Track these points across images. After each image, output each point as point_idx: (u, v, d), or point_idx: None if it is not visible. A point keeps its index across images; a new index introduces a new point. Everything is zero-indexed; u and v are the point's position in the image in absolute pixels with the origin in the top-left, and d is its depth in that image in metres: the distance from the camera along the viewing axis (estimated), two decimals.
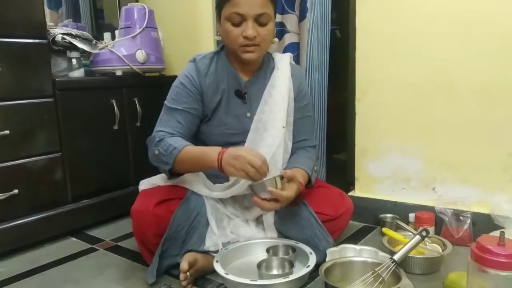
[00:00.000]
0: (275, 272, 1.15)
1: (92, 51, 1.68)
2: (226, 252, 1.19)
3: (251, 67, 1.30)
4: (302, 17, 1.54)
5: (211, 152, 1.13)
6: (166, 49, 1.95)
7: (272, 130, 1.26)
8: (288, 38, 1.60)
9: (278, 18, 1.59)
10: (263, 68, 1.33)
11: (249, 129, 1.27)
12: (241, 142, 1.28)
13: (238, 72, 1.29)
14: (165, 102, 1.28)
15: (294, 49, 1.60)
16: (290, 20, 1.59)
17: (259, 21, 1.18)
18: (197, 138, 1.32)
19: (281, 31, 1.61)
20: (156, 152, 1.19)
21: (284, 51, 1.56)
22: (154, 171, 1.36)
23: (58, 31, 1.58)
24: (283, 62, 1.33)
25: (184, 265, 1.10)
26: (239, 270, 1.15)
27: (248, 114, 1.29)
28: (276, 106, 1.27)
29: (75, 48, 1.62)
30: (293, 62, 1.43)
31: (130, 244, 1.46)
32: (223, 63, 1.29)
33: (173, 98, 1.26)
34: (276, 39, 1.33)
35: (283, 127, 1.26)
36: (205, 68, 1.27)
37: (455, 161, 1.40)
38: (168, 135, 1.21)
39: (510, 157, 1.31)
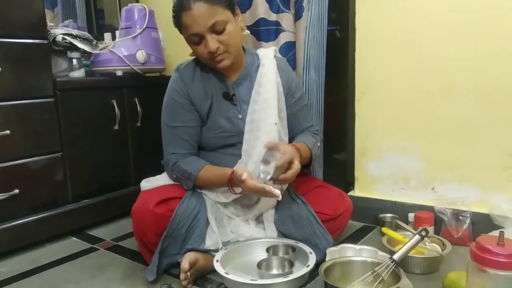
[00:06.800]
0: (275, 271, 1.15)
1: (93, 51, 1.68)
2: (226, 251, 1.19)
3: (234, 68, 1.29)
4: (298, 16, 1.54)
5: (225, 174, 1.19)
6: (166, 49, 1.95)
7: (265, 128, 1.26)
8: (284, 37, 1.60)
9: (273, 17, 1.59)
10: (248, 67, 1.32)
11: (243, 130, 1.28)
12: (237, 144, 1.29)
13: (224, 75, 1.29)
14: (163, 119, 1.31)
15: (289, 48, 1.60)
16: (286, 19, 1.58)
17: (215, 30, 1.16)
18: None
19: (276, 30, 1.60)
20: (174, 176, 1.29)
21: (280, 50, 1.56)
22: (155, 171, 1.37)
23: (59, 32, 1.58)
24: (267, 57, 1.32)
25: (185, 264, 1.10)
26: (239, 270, 1.16)
27: (240, 116, 1.29)
28: (266, 103, 1.27)
29: (76, 49, 1.62)
30: (279, 55, 1.42)
31: (131, 243, 1.46)
32: (208, 68, 1.29)
33: (169, 115, 1.29)
34: (247, 31, 1.31)
35: (276, 124, 1.26)
36: (189, 76, 1.28)
37: (454, 161, 1.40)
38: (181, 157, 1.27)
39: (510, 157, 1.32)
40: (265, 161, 1.14)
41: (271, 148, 1.14)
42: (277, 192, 1.10)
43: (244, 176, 1.10)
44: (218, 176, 1.22)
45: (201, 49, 1.19)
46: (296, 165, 1.14)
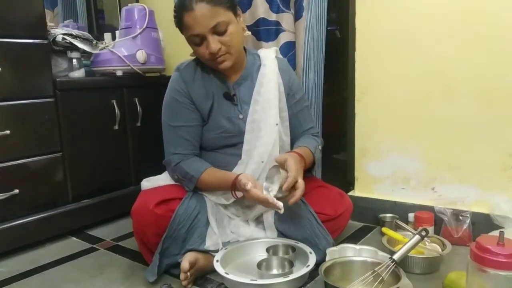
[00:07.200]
0: (275, 271, 1.15)
1: (93, 51, 1.68)
2: (226, 251, 1.19)
3: (235, 69, 1.28)
4: (298, 16, 1.54)
5: (228, 179, 1.19)
6: (166, 49, 1.95)
7: (266, 129, 1.26)
8: (284, 37, 1.60)
9: (273, 17, 1.59)
10: (249, 67, 1.32)
11: (244, 130, 1.27)
12: (238, 144, 1.28)
13: (224, 75, 1.29)
14: (164, 119, 1.30)
15: (289, 48, 1.60)
16: (286, 19, 1.58)
17: (217, 31, 1.16)
18: None
19: (276, 30, 1.60)
20: (176, 177, 1.28)
21: (280, 50, 1.56)
22: (155, 171, 1.37)
23: (59, 32, 1.58)
24: (269, 58, 1.32)
25: (185, 264, 1.10)
26: (239, 270, 1.16)
27: (241, 116, 1.29)
28: (267, 104, 1.26)
29: (76, 49, 1.63)
30: (280, 56, 1.41)
31: (131, 243, 1.46)
32: (208, 68, 1.28)
33: (170, 115, 1.29)
34: (248, 32, 1.30)
35: (276, 124, 1.26)
36: (190, 76, 1.28)
37: (454, 161, 1.40)
38: (183, 158, 1.26)
39: (510, 157, 1.32)
40: (269, 178, 1.13)
41: (276, 166, 1.14)
42: (280, 205, 1.10)
43: (249, 186, 1.10)
44: (220, 180, 1.22)
45: (202, 50, 1.19)
46: (301, 185, 1.13)
